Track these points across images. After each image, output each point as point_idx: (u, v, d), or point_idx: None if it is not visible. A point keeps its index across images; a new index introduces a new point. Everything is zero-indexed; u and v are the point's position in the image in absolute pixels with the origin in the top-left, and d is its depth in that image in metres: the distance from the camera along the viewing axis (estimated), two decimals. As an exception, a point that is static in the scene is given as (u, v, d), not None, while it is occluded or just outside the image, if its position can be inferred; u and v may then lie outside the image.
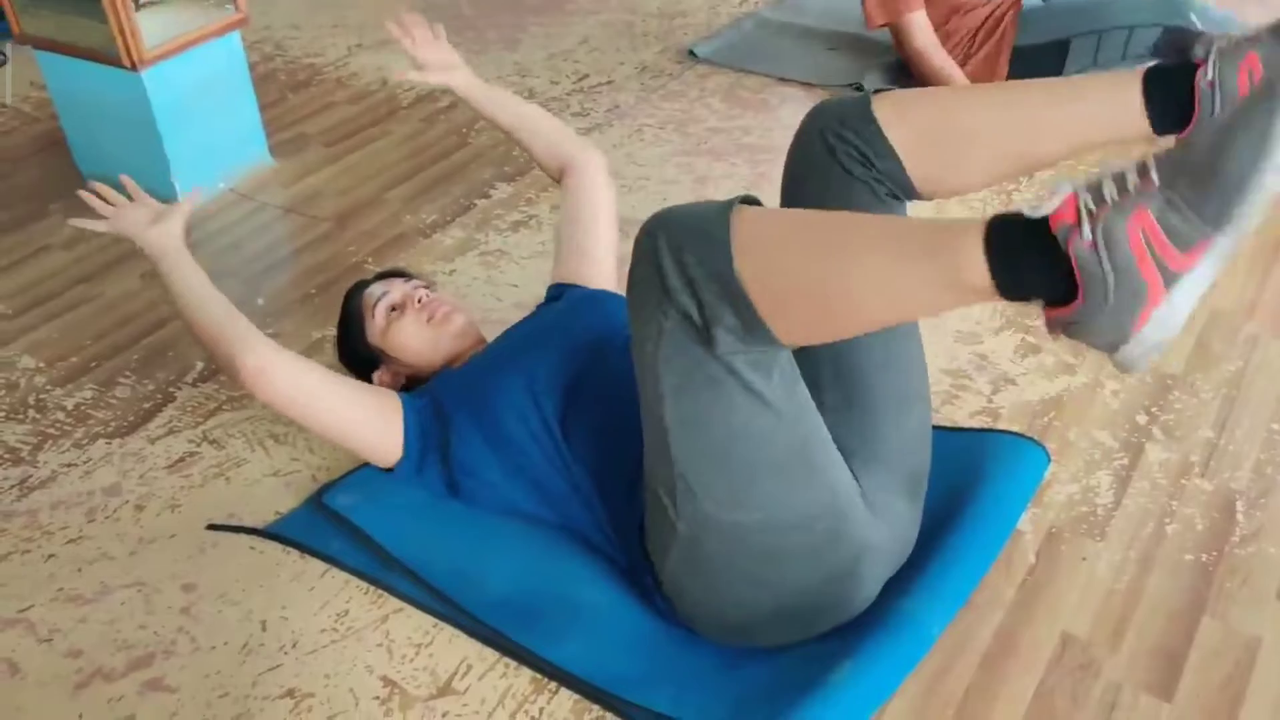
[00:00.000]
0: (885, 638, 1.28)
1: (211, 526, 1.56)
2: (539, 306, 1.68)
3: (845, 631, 1.30)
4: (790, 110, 2.68)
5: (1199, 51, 1.17)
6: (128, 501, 1.62)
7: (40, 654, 1.38)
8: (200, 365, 1.89)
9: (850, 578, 1.25)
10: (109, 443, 1.73)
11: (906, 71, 2.72)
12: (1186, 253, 0.90)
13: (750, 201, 1.09)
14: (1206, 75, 1.14)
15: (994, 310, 1.94)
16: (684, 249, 1.05)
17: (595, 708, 1.29)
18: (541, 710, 1.30)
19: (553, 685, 1.32)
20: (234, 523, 1.56)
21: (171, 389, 1.84)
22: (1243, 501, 1.55)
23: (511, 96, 1.86)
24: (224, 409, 1.79)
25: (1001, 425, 1.68)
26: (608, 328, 1.53)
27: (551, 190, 2.28)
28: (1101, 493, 1.57)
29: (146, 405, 1.81)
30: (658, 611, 1.36)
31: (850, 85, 2.75)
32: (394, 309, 1.65)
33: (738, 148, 2.53)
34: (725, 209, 1.06)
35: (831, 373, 1.29)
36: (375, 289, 1.68)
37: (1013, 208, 0.96)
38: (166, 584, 1.48)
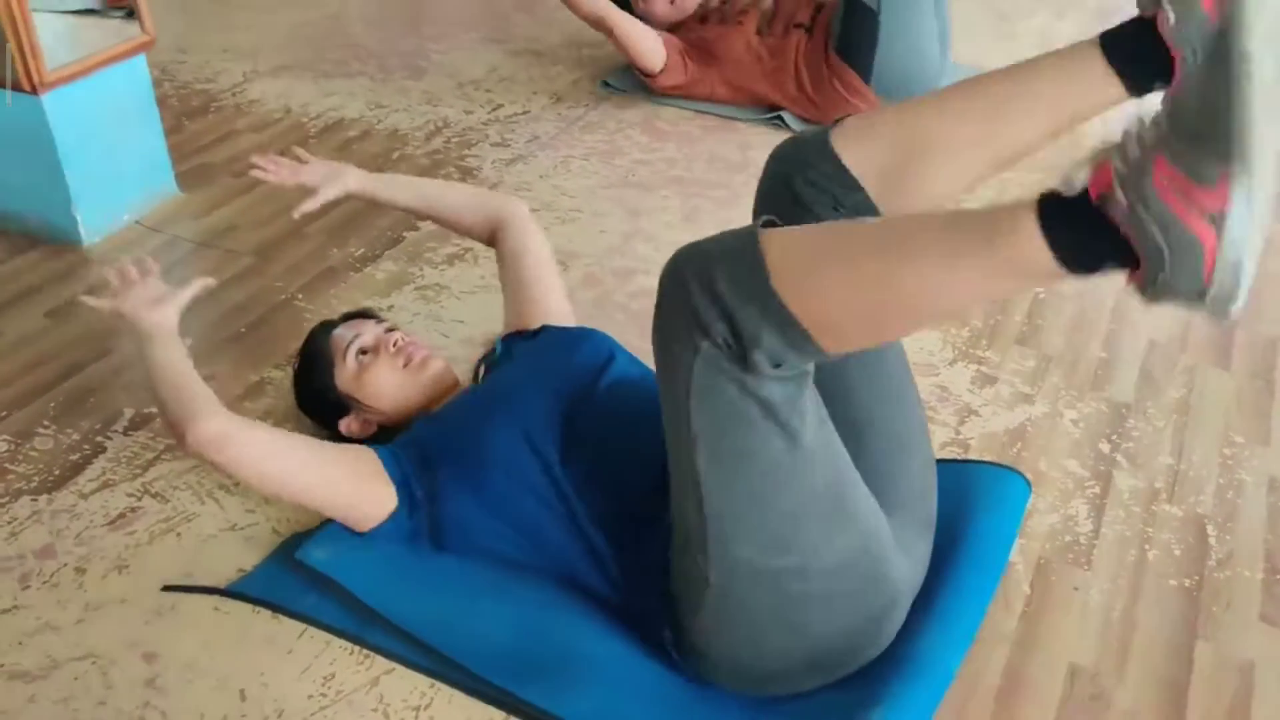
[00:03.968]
0: (911, 680, 1.26)
1: (168, 588, 1.44)
2: (516, 345, 1.61)
3: (864, 677, 1.27)
4: (713, 143, 2.67)
5: (1145, 3, 1.14)
6: (65, 564, 1.48)
7: (-13, 740, 1.25)
8: (130, 412, 1.75)
9: (885, 619, 1.23)
10: (34, 499, 1.58)
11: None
12: (1215, 189, 0.86)
13: (770, 224, 1.07)
14: (1169, 20, 1.09)
15: (944, 341, 1.97)
16: (715, 279, 1.02)
17: (615, 766, 1.24)
18: (559, 772, 1.23)
19: (566, 745, 1.26)
20: (192, 582, 1.44)
21: (100, 438, 1.70)
22: (1212, 525, 1.59)
23: (409, 179, 1.84)
24: (163, 458, 1.65)
25: (973, 457, 1.69)
26: (593, 365, 1.49)
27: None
28: (1080, 521, 1.59)
29: (73, 457, 1.66)
30: (670, 664, 1.31)
31: (770, 118, 2.76)
32: (365, 353, 1.56)
33: (665, 180, 2.51)
34: (753, 232, 1.04)
35: (838, 426, 1.24)
36: (344, 332, 1.59)
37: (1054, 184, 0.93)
38: (123, 654, 1.35)
